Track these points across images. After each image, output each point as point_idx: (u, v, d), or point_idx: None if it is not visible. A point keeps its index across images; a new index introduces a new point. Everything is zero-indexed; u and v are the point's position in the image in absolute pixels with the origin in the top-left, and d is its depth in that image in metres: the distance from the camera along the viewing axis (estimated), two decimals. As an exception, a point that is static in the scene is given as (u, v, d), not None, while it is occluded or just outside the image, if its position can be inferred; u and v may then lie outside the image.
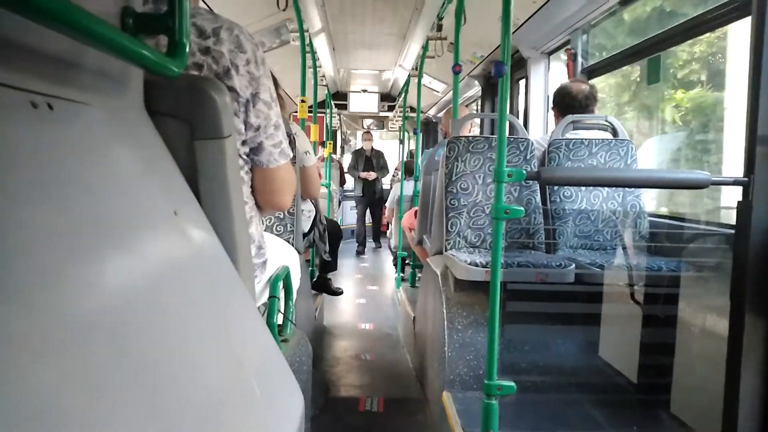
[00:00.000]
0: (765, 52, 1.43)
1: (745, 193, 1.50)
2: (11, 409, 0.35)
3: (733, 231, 1.55)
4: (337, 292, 4.02)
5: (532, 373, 2.10)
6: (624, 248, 2.41)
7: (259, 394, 0.75)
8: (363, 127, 9.31)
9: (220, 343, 0.71)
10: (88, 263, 0.50)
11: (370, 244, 8.25)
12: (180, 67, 0.71)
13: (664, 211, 2.77)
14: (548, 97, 3.89)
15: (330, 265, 3.86)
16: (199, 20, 1.13)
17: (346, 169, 8.33)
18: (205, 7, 1.18)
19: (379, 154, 8.17)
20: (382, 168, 8.14)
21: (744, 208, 1.50)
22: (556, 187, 2.48)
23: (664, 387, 1.90)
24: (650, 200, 2.80)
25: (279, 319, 1.40)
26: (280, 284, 1.37)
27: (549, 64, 3.93)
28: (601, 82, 3.55)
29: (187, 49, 0.73)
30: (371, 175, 7.95)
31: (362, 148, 8.27)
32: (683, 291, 1.93)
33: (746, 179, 1.49)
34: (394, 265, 5.49)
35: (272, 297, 1.33)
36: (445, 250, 2.44)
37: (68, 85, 0.59)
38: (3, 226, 0.41)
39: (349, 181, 8.53)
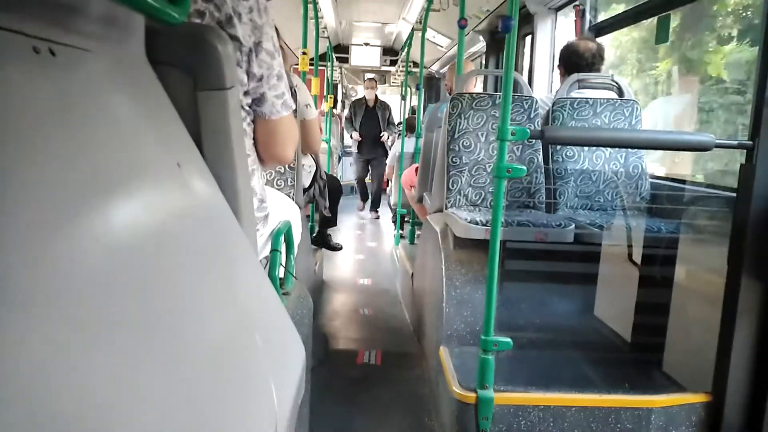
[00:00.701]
0: None
1: (748, 157, 1.50)
2: (18, 361, 0.36)
3: (734, 194, 1.55)
4: (337, 248, 4.05)
5: (528, 330, 2.14)
6: (624, 209, 2.42)
7: (262, 345, 0.77)
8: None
9: (224, 295, 0.72)
10: (91, 212, 0.50)
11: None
12: (182, 14, 0.70)
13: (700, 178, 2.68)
14: (554, 54, 3.82)
15: (330, 221, 3.86)
16: None
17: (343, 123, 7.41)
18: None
19: (384, 107, 7.02)
20: (390, 124, 7.03)
21: (747, 172, 1.49)
22: (558, 147, 2.46)
23: (658, 346, 1.94)
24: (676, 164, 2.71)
25: (280, 272, 1.41)
26: (282, 238, 1.38)
27: (556, 21, 3.84)
28: (624, 35, 3.37)
29: None
30: (384, 137, 6.78)
31: (363, 97, 7.04)
32: (681, 253, 1.94)
33: (750, 143, 1.48)
34: (393, 221, 5.51)
35: (274, 251, 1.34)
36: (446, 208, 2.45)
37: (70, 31, 0.58)
38: (2, 173, 0.41)
39: (347, 136, 7.51)
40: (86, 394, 0.40)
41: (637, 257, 2.12)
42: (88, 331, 0.43)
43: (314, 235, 3.87)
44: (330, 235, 3.99)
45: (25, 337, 0.37)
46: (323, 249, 3.93)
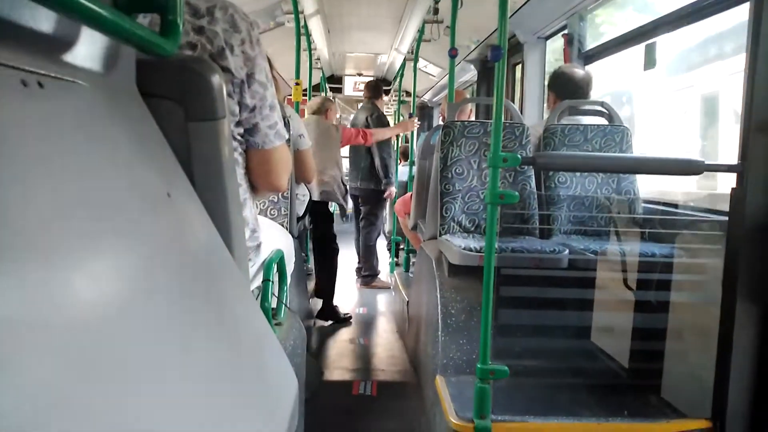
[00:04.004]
0: (762, 39, 1.43)
1: (739, 180, 1.51)
2: (9, 383, 0.35)
3: (726, 217, 1.56)
4: (347, 318, 3.81)
5: (524, 357, 2.12)
6: (618, 234, 2.42)
7: (253, 377, 0.75)
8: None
9: (214, 327, 0.71)
10: (81, 244, 0.50)
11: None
12: (173, 47, 0.70)
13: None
14: (545, 82, 3.87)
15: (328, 292, 3.73)
16: None
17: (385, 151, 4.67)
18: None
19: None
20: None
21: (738, 195, 1.50)
22: (551, 173, 2.47)
23: (656, 372, 1.92)
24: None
25: (273, 302, 1.40)
26: (274, 268, 1.37)
27: (545, 49, 3.90)
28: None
29: (181, 28, 0.71)
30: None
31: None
32: (676, 277, 1.94)
33: (740, 166, 1.49)
34: (388, 249, 5.50)
35: (266, 281, 1.33)
36: (440, 235, 2.44)
37: (59, 63, 0.58)
38: None
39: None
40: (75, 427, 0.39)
41: (632, 282, 2.11)
42: (74, 361, 0.42)
43: (320, 309, 3.74)
44: (336, 306, 3.79)
45: (13, 362, 0.36)
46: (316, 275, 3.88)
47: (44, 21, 0.54)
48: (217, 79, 0.93)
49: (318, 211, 3.70)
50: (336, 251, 3.78)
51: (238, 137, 1.19)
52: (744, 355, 1.51)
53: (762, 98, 1.44)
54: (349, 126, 4.77)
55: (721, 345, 1.55)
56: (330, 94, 8.06)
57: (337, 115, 9.97)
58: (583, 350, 2.22)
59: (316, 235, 3.80)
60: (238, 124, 1.18)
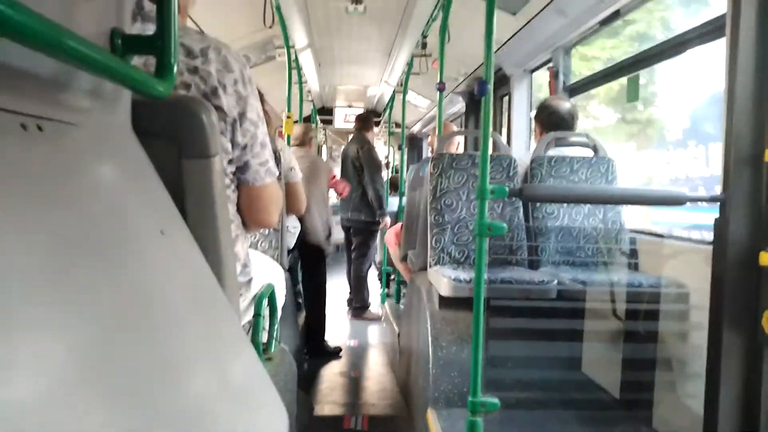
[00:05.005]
0: (739, 72, 1.47)
1: (722, 210, 1.54)
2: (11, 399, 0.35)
3: (710, 246, 1.58)
4: (337, 352, 3.81)
5: (516, 389, 2.11)
6: (605, 264, 2.44)
7: (244, 413, 0.75)
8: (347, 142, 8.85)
9: (205, 362, 0.71)
10: (76, 282, 0.51)
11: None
12: (168, 89, 0.72)
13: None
14: (531, 114, 3.94)
15: (319, 329, 3.72)
16: (186, 40, 1.14)
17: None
18: (193, 25, 1.19)
19: None
20: None
21: (721, 225, 1.53)
22: (538, 204, 2.50)
23: (646, 402, 1.92)
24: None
25: (264, 337, 1.40)
26: (265, 302, 1.37)
27: (531, 82, 3.98)
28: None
29: (175, 70, 0.73)
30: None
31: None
32: (663, 306, 1.95)
33: (722, 196, 1.52)
34: (378, 280, 5.49)
35: (257, 315, 1.33)
36: (430, 266, 2.45)
37: (57, 106, 0.60)
38: None
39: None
40: None
41: (621, 312, 2.13)
42: (67, 399, 0.43)
43: (308, 347, 3.69)
44: (326, 341, 3.78)
45: (12, 406, 0.36)
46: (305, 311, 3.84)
47: (42, 66, 0.56)
48: (210, 117, 0.95)
49: (309, 251, 3.63)
50: (324, 297, 3.75)
51: (230, 175, 1.21)
52: (733, 383, 1.52)
53: (741, 130, 1.48)
54: (339, 156, 4.83)
55: (710, 374, 1.55)
56: (321, 125, 8.14)
57: (329, 144, 10.00)
58: (574, 381, 2.21)
59: (306, 277, 3.74)
60: (230, 162, 1.19)
